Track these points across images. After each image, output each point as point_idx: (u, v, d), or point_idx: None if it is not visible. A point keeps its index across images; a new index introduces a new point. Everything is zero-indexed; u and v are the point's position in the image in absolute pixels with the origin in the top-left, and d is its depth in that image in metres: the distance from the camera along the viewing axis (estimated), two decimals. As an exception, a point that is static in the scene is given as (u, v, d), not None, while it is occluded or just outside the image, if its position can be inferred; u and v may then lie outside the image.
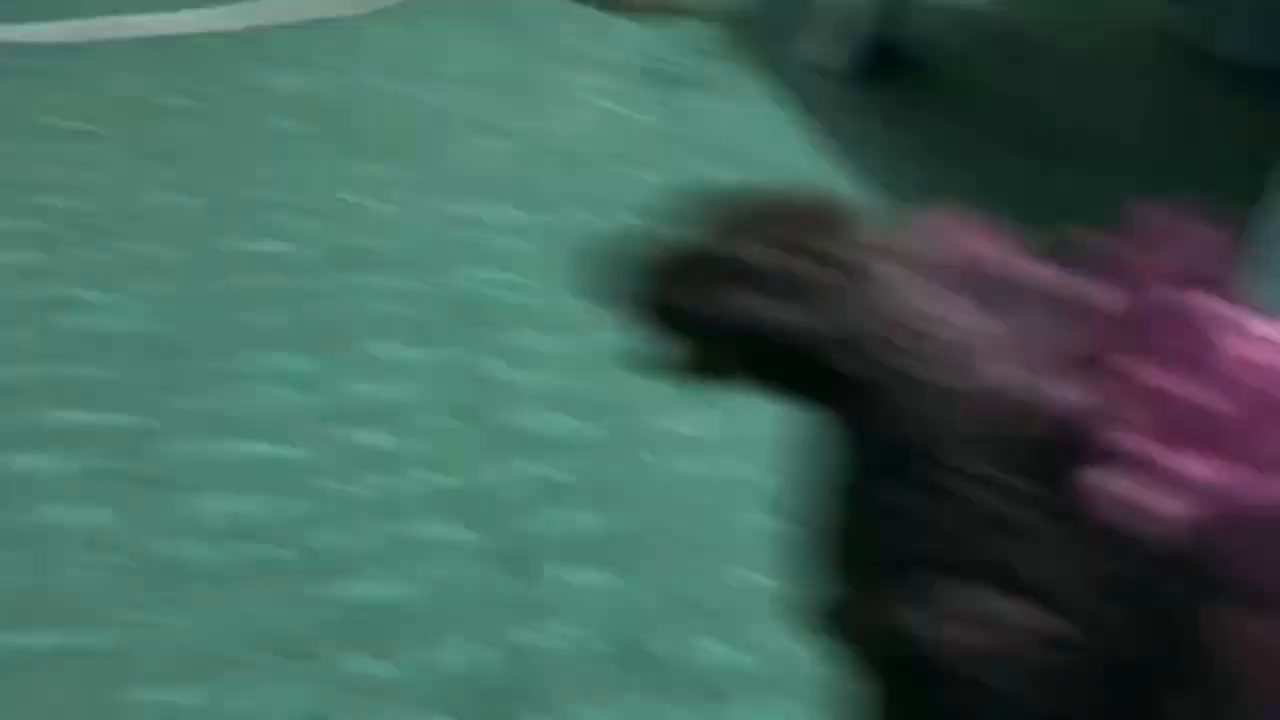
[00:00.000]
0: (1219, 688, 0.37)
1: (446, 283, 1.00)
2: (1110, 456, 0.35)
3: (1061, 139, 1.36)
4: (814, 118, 1.34)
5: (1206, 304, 0.37)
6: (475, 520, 0.76)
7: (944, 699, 0.37)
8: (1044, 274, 0.39)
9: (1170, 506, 0.35)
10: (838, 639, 0.40)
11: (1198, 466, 0.34)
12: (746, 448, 0.81)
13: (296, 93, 1.29)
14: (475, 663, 0.67)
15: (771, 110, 1.36)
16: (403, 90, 1.33)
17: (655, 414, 0.87)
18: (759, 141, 1.29)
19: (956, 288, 0.38)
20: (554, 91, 1.37)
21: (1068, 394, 0.35)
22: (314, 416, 0.84)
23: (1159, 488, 0.35)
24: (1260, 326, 0.37)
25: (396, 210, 1.10)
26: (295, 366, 0.88)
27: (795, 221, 0.39)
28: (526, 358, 0.92)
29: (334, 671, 0.65)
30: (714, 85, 1.41)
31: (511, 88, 1.36)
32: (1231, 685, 0.37)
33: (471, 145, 1.23)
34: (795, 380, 0.39)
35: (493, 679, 0.66)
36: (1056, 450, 0.36)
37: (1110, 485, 0.35)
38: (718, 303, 0.39)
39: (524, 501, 0.78)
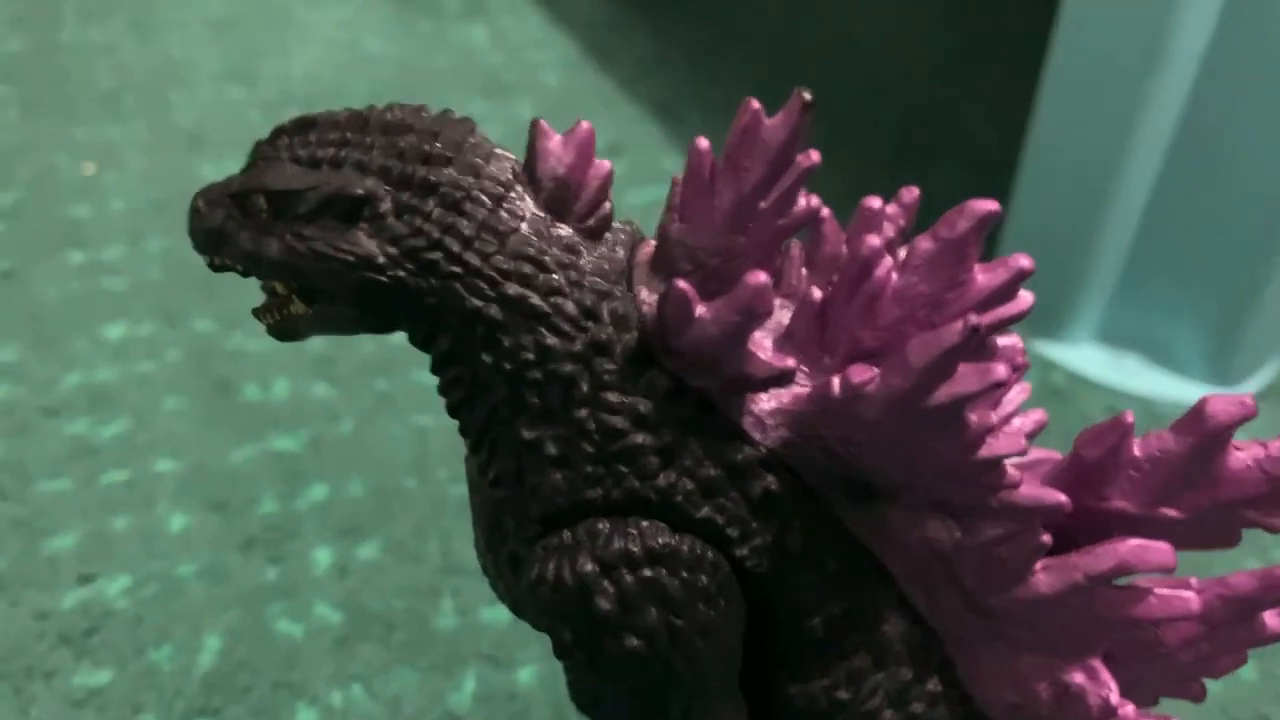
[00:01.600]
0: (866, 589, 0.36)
1: (180, 251, 0.93)
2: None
3: (834, 39, 1.34)
4: (575, 34, 1.30)
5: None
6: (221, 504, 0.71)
7: (628, 654, 0.34)
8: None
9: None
10: (530, 611, 0.38)
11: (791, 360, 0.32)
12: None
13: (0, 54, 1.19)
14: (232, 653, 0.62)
15: (540, 34, 1.31)
16: (123, 43, 1.23)
17: (401, 369, 0.82)
18: (524, 67, 1.23)
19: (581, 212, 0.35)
20: (297, 30, 1.28)
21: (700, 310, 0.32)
22: (37, 410, 0.77)
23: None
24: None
25: (121, 175, 1.02)
26: (6, 358, 0.81)
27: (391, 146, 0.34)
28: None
29: (69, 688, 0.60)
30: (476, 10, 1.34)
31: (248, 29, 1.28)
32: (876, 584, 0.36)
33: (204, 96, 1.14)
34: (389, 321, 0.36)
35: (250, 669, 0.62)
36: (691, 367, 0.33)
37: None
38: (236, 243, 0.35)
39: (272, 478, 0.73)
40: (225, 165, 1.03)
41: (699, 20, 1.36)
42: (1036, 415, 0.42)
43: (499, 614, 0.65)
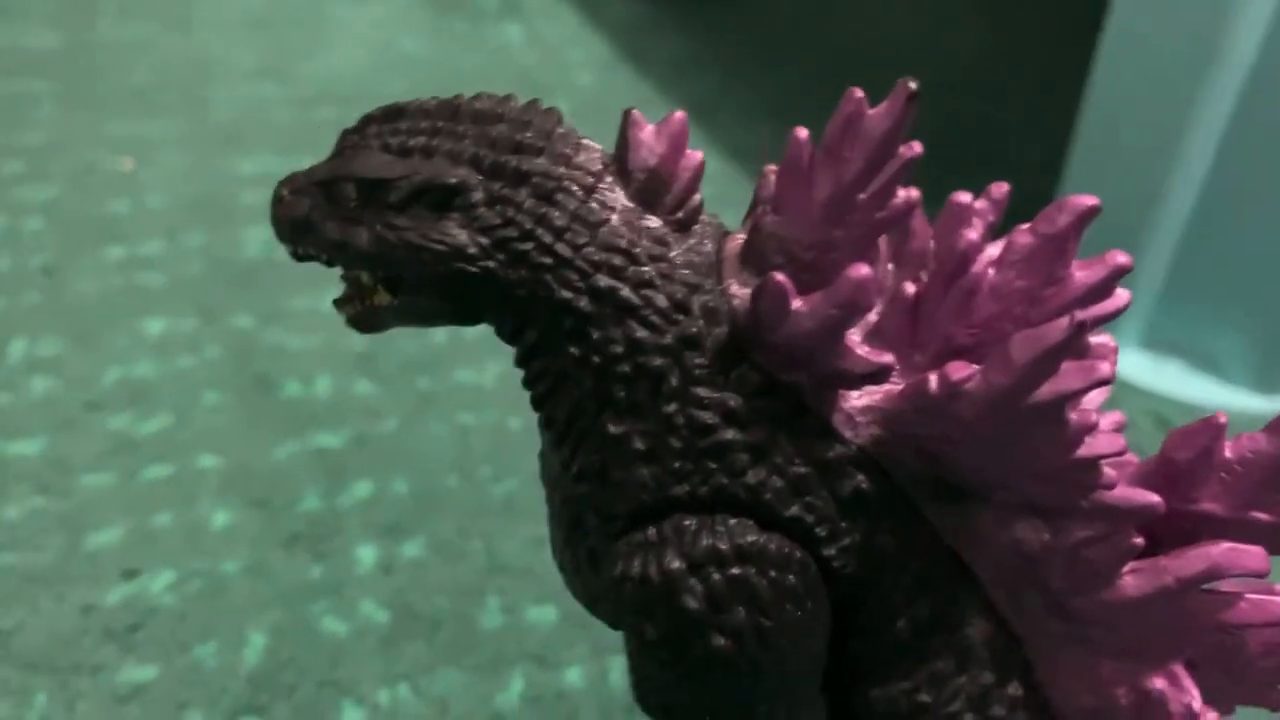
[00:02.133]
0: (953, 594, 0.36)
1: (218, 246, 0.93)
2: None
3: (871, 43, 1.34)
4: (609, 35, 1.30)
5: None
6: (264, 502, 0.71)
7: (714, 652, 0.34)
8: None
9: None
10: (613, 610, 0.37)
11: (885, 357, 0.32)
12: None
13: (37, 50, 1.19)
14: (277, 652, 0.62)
15: (574, 34, 1.30)
16: (160, 38, 1.24)
17: (443, 368, 0.82)
18: (559, 68, 1.23)
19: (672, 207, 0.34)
20: (333, 29, 1.28)
21: (799, 308, 0.31)
22: (79, 405, 0.77)
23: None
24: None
25: (160, 172, 1.02)
26: (48, 353, 0.81)
27: (484, 136, 0.34)
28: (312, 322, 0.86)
29: (114, 684, 0.60)
30: (512, 10, 1.34)
31: (284, 28, 1.28)
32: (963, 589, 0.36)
33: (240, 93, 1.14)
34: (475, 312, 0.35)
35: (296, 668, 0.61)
36: (783, 362, 0.33)
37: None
38: (326, 233, 0.35)
39: (314, 475, 0.73)
40: (261, 161, 1.03)
41: (734, 22, 1.36)
42: (1116, 416, 0.42)
43: (545, 614, 0.65)
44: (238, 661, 0.61)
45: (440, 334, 0.83)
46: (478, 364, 0.82)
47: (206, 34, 1.25)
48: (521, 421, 0.77)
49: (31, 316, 0.84)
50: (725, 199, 1.01)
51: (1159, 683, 0.37)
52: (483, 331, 0.85)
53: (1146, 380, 0.85)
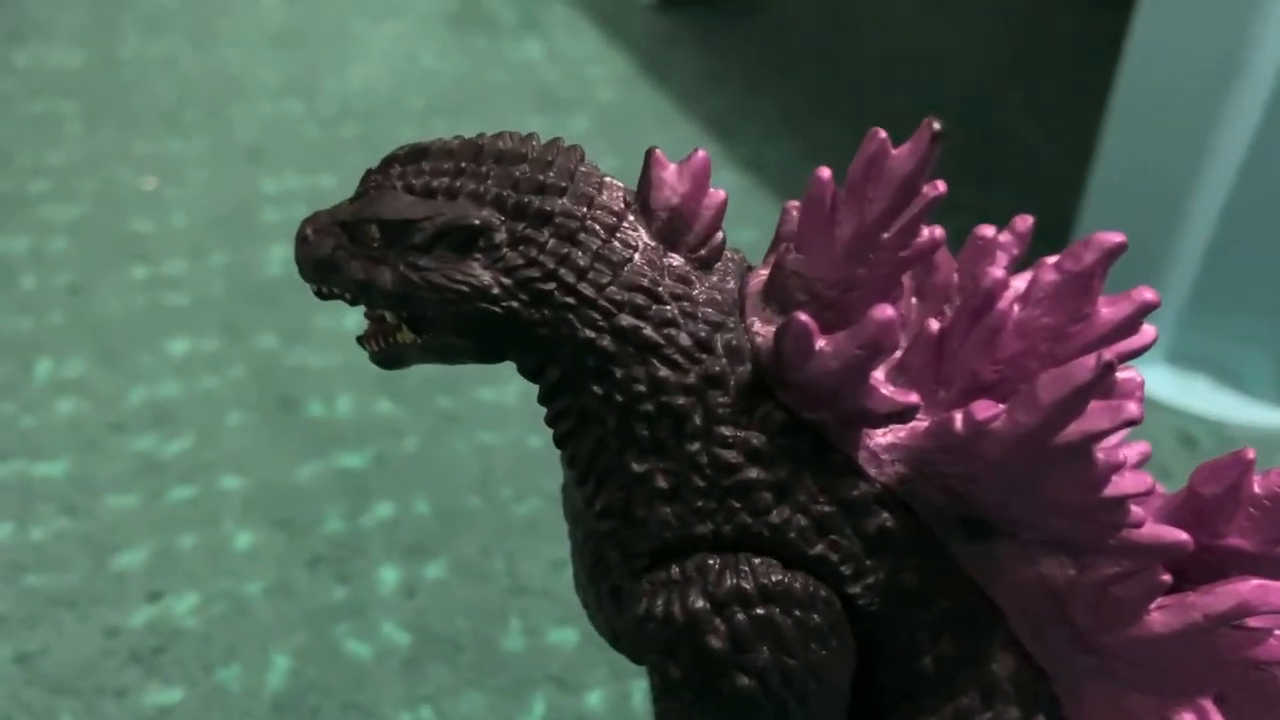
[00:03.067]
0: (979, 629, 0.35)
1: (242, 265, 0.94)
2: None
3: (891, 57, 1.33)
4: (630, 50, 1.30)
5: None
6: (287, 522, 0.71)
7: (738, 692, 0.34)
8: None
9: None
10: (636, 647, 0.37)
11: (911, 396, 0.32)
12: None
13: (63, 70, 1.20)
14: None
15: (594, 50, 1.31)
16: (181, 55, 1.24)
17: (464, 387, 0.82)
18: (580, 83, 1.23)
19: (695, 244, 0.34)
20: (355, 46, 1.29)
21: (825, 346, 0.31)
22: (103, 426, 0.77)
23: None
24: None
25: (184, 190, 1.02)
26: (73, 373, 0.81)
27: (503, 175, 0.34)
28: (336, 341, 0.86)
29: (139, 707, 0.60)
30: (532, 26, 1.35)
31: (306, 45, 1.28)
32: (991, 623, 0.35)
33: (263, 111, 1.15)
34: (499, 350, 0.35)
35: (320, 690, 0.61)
36: (807, 401, 0.33)
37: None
38: (349, 272, 0.35)
39: (337, 496, 0.73)
40: (285, 179, 1.04)
41: (754, 36, 1.36)
42: (1141, 446, 0.41)
43: (566, 636, 0.65)
44: (261, 684, 0.62)
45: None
46: (498, 383, 0.82)
47: (229, 52, 1.26)
48: (542, 440, 0.77)
49: (57, 336, 0.85)
50: (744, 214, 1.01)
51: (1187, 717, 0.37)
52: (504, 350, 0.85)
53: (1171, 397, 0.84)
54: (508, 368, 0.81)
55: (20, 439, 0.76)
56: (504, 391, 0.81)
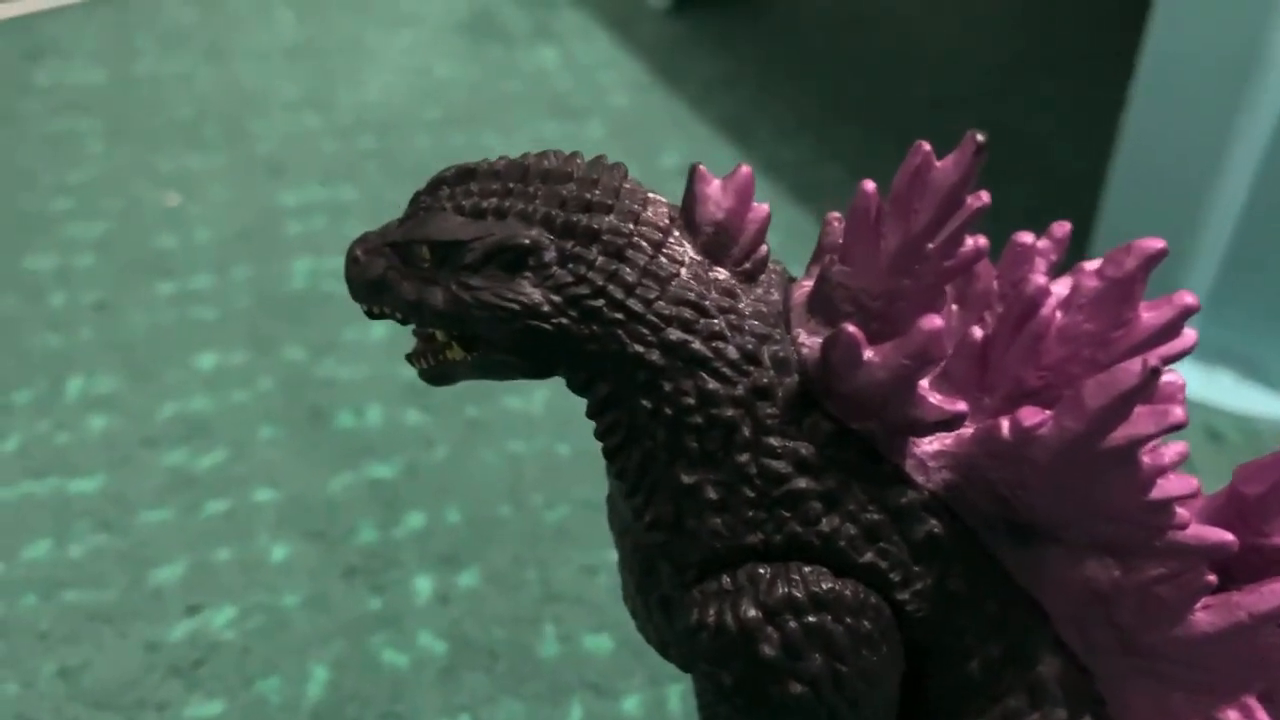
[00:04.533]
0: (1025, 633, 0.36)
1: (266, 279, 0.94)
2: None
3: (908, 57, 1.34)
4: (643, 56, 1.30)
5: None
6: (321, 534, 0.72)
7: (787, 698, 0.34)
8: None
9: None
10: (687, 657, 0.37)
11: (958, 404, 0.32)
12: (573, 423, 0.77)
13: (83, 88, 1.21)
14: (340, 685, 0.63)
15: (607, 56, 1.31)
16: (198, 72, 1.25)
17: (491, 397, 0.82)
18: (594, 89, 1.24)
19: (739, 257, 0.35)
20: (369, 57, 1.29)
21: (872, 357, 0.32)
22: (136, 442, 0.78)
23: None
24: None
25: (206, 205, 1.03)
26: (105, 389, 0.82)
27: (548, 193, 0.35)
28: (361, 352, 0.87)
29: (176, 721, 0.61)
30: (544, 33, 1.35)
31: (321, 58, 1.29)
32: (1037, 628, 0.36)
33: (281, 125, 1.16)
34: (548, 366, 0.35)
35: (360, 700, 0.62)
36: (855, 411, 0.33)
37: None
38: (399, 292, 0.35)
39: (369, 507, 0.74)
40: (306, 192, 1.05)
41: (767, 39, 1.36)
42: (1178, 447, 0.42)
43: (601, 642, 0.65)
44: (301, 695, 0.62)
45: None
46: (526, 392, 0.82)
47: (245, 67, 1.27)
48: (570, 448, 0.77)
49: (86, 353, 0.85)
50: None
51: (1232, 715, 0.37)
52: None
53: (1197, 392, 0.84)
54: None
55: (55, 456, 0.76)
56: (531, 400, 0.82)
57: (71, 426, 0.79)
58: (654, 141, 1.12)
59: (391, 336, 0.87)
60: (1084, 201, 0.90)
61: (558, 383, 0.81)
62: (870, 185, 0.32)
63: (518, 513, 0.73)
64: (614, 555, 0.69)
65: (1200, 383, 0.85)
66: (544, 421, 0.80)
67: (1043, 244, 0.36)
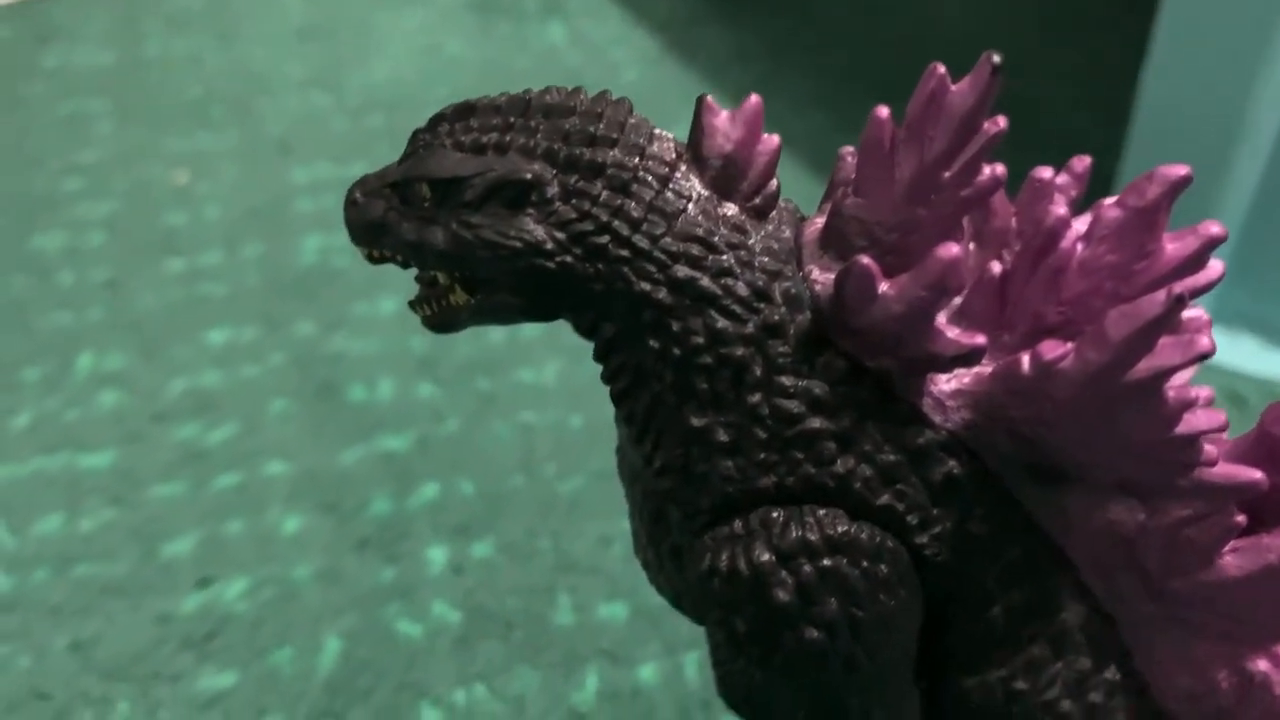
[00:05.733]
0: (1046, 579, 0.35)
1: (276, 256, 0.94)
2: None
3: (923, 28, 1.32)
4: (654, 31, 1.29)
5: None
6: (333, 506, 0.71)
7: (802, 644, 0.33)
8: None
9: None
10: (699, 605, 0.37)
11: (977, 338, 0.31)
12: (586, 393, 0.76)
13: (92, 69, 1.21)
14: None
15: (618, 31, 1.30)
16: (206, 53, 1.25)
17: (502, 369, 0.82)
18: (604, 66, 1.23)
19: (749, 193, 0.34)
20: (378, 36, 1.29)
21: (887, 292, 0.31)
22: (146, 417, 0.77)
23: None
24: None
25: (215, 184, 1.02)
26: (114, 366, 0.82)
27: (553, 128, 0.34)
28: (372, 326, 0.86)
29: (194, 692, 0.60)
30: (554, 10, 1.34)
31: (329, 37, 1.29)
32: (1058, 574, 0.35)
33: (290, 104, 1.15)
34: (553, 308, 0.34)
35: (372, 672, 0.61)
36: (870, 347, 0.32)
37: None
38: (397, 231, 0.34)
39: (381, 479, 0.73)
40: (315, 171, 1.04)
41: (778, 12, 1.35)
42: (1205, 392, 0.41)
43: (616, 611, 0.65)
44: (314, 666, 0.62)
45: (498, 335, 0.83)
46: (537, 364, 0.82)
47: (253, 48, 1.26)
48: (583, 419, 0.76)
49: (96, 331, 0.85)
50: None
51: (1261, 664, 0.36)
52: (540, 331, 0.85)
53: (1218, 357, 0.83)
54: (545, 349, 0.82)
55: (65, 432, 0.76)
56: (543, 373, 0.81)
57: (82, 403, 0.78)
58: (666, 117, 1.10)
59: (401, 311, 0.86)
60: (1104, 169, 0.89)
61: (569, 355, 0.81)
62: (884, 111, 0.31)
63: (531, 484, 0.73)
64: (629, 525, 0.68)
65: (1223, 347, 0.84)
66: (556, 393, 0.79)
67: (1062, 179, 0.35)
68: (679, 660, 0.62)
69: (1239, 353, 0.83)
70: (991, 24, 1.32)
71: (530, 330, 0.84)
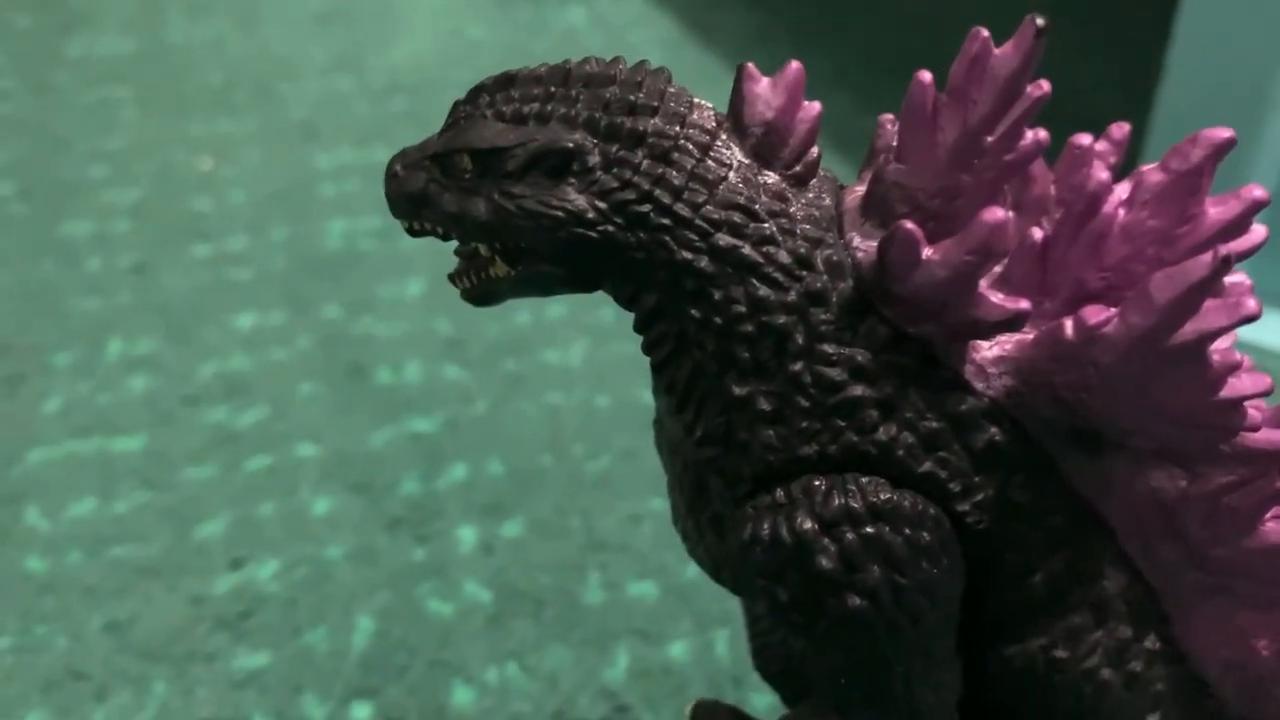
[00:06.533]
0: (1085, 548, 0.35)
1: (302, 239, 0.94)
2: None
3: (940, 7, 1.32)
4: (674, 13, 1.29)
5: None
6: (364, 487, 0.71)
7: (850, 615, 0.33)
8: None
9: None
10: (740, 575, 0.37)
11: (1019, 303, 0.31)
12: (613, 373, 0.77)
13: (115, 56, 1.21)
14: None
15: (639, 13, 1.30)
16: (228, 38, 1.25)
17: (529, 350, 0.82)
18: (625, 48, 1.23)
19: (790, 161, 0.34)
20: (399, 20, 1.29)
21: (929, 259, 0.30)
22: (177, 400, 0.78)
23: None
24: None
25: (240, 169, 1.03)
26: (144, 350, 0.82)
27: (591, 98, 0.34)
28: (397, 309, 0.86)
29: (229, 671, 0.61)
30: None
31: (350, 21, 1.29)
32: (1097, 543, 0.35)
33: (313, 88, 1.15)
34: (594, 278, 0.34)
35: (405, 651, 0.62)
36: (913, 314, 0.32)
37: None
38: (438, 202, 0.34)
39: (411, 460, 0.73)
40: (339, 154, 1.04)
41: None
42: (1246, 359, 0.41)
43: (646, 589, 0.65)
44: (348, 645, 0.62)
45: (524, 316, 0.84)
46: (563, 345, 0.82)
47: (275, 31, 1.27)
48: (610, 400, 0.77)
49: (125, 316, 0.85)
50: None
51: (1303, 633, 0.36)
52: (565, 313, 0.85)
53: (1251, 333, 0.83)
54: (571, 330, 0.82)
55: (97, 415, 0.77)
56: (569, 353, 0.81)
57: (113, 387, 0.79)
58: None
59: (427, 293, 0.87)
60: (1133, 147, 0.88)
61: (594, 336, 0.81)
62: (927, 76, 0.31)
63: (559, 463, 0.73)
64: (658, 504, 0.68)
65: (1255, 326, 0.83)
66: (582, 374, 0.79)
67: (1101, 146, 0.35)
68: (709, 637, 0.62)
69: (1271, 332, 0.83)
70: (1012, 2, 1.31)
71: (555, 311, 0.84)
